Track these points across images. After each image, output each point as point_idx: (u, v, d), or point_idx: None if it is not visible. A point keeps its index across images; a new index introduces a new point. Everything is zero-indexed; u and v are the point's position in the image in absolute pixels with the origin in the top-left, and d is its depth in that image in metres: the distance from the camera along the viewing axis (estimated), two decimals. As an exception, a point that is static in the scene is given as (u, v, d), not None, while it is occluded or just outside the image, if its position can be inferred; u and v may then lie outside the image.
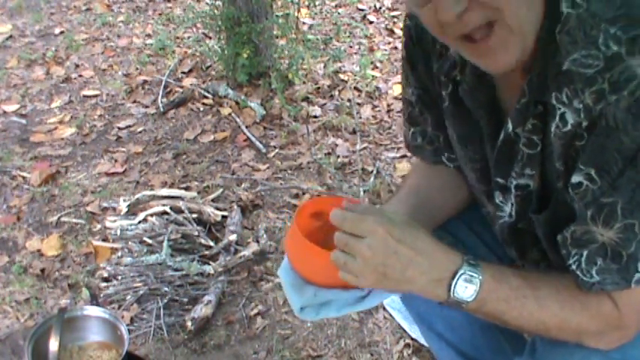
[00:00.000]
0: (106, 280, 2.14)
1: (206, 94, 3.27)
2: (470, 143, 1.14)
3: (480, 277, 0.93)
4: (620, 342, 0.97)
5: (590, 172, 0.88)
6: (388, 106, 3.15)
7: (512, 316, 0.97)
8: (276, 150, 2.87)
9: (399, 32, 3.82)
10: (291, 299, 1.03)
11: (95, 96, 3.38)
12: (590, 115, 0.86)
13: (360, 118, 3.06)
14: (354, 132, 2.96)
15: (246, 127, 3.00)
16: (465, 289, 0.93)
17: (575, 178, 0.90)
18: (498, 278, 0.95)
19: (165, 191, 2.51)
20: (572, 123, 0.89)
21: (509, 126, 1.00)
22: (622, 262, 0.90)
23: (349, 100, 3.17)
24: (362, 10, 4.16)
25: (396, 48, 3.70)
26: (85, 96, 3.38)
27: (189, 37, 3.92)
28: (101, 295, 2.09)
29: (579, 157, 0.89)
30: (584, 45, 0.85)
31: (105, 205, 2.51)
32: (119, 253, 2.21)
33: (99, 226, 2.41)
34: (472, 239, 1.31)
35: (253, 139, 2.91)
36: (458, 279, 0.93)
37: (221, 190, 2.59)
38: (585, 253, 0.92)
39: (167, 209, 2.35)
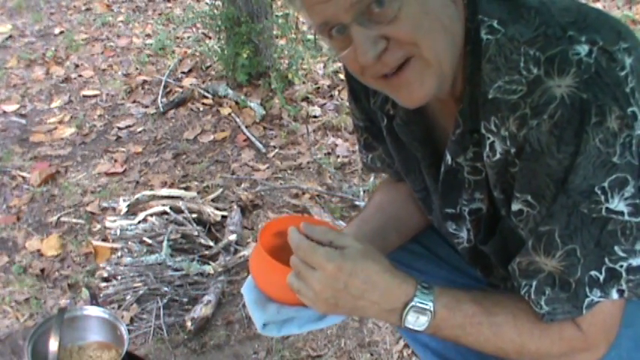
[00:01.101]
0: (105, 280, 2.14)
1: (206, 94, 3.27)
2: (410, 173, 1.14)
3: (432, 308, 0.93)
4: None
5: (527, 198, 0.87)
6: (388, 106, 3.15)
7: (469, 341, 0.97)
8: (276, 150, 2.88)
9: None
10: (254, 316, 1.03)
11: (95, 96, 3.38)
12: (516, 141, 0.85)
13: (360, 118, 3.06)
14: (353, 132, 2.96)
15: (246, 127, 3.00)
16: (417, 319, 0.93)
17: (515, 206, 0.90)
18: (452, 306, 0.94)
19: (165, 191, 2.51)
20: (501, 151, 0.88)
21: (448, 158, 1.00)
22: (571, 289, 0.88)
23: (349, 100, 3.17)
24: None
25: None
26: (84, 96, 3.38)
27: (189, 37, 3.93)
28: (101, 295, 2.09)
29: (515, 184, 0.89)
30: (507, 71, 0.84)
31: (105, 205, 2.51)
32: (119, 253, 2.21)
33: (99, 226, 2.42)
34: (444, 248, 1.30)
35: (253, 139, 2.91)
36: (409, 310, 0.93)
37: (221, 190, 2.59)
38: (534, 283, 0.91)
39: (167, 209, 2.35)
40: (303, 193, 2.58)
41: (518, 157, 0.86)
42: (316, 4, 0.83)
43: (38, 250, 2.32)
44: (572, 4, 0.87)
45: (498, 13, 0.86)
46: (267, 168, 2.76)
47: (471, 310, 0.94)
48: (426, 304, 0.93)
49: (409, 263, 1.29)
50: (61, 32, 4.09)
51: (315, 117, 3.10)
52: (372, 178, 2.60)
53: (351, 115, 1.25)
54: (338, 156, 2.81)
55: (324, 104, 3.21)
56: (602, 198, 0.82)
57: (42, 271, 2.22)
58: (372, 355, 1.90)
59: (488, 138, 0.89)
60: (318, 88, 3.34)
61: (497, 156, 0.89)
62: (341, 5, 0.82)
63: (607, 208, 0.82)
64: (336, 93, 3.29)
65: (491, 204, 1.01)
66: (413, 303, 0.92)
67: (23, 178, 2.72)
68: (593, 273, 0.86)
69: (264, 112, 3.07)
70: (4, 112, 3.23)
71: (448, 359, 1.36)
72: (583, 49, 0.80)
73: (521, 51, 0.83)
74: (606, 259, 0.85)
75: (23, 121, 3.16)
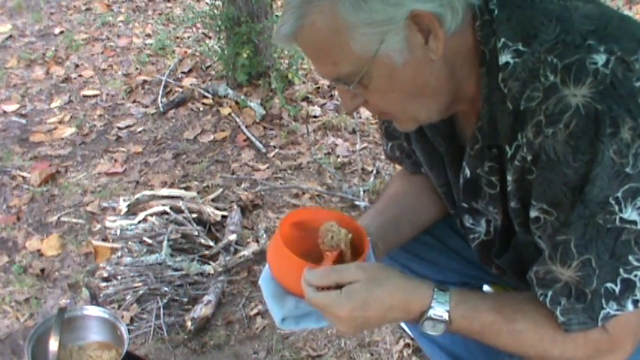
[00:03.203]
0: (106, 280, 2.14)
1: (206, 94, 3.27)
2: (433, 168, 1.15)
3: (447, 318, 0.95)
4: None
5: (543, 206, 0.88)
6: (388, 105, 3.15)
7: (488, 344, 0.99)
8: (276, 150, 2.88)
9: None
10: (273, 310, 1.05)
11: (95, 96, 3.38)
12: (532, 148, 0.85)
13: (360, 117, 3.06)
14: (353, 132, 2.96)
15: (246, 127, 3.00)
16: (433, 327, 0.96)
17: (532, 214, 0.91)
18: (469, 316, 0.96)
19: (165, 191, 2.51)
20: (519, 158, 0.89)
21: (467, 172, 1.01)
22: (586, 300, 0.88)
23: (349, 100, 3.17)
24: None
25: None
26: (85, 96, 3.38)
27: (189, 37, 3.92)
28: (101, 295, 2.09)
29: (532, 191, 0.89)
30: (531, 80, 0.85)
31: (105, 205, 2.51)
32: (119, 253, 2.21)
33: (99, 226, 2.42)
34: (456, 241, 1.32)
35: (253, 139, 2.91)
36: (425, 320, 0.96)
37: (221, 190, 2.59)
38: (550, 293, 0.92)
39: (167, 209, 2.35)
40: (303, 193, 2.58)
41: (534, 164, 0.87)
42: (312, 64, 0.95)
43: (38, 250, 2.32)
44: (595, 10, 0.87)
45: (520, 32, 0.86)
46: (267, 168, 2.76)
47: (490, 319, 0.95)
48: (442, 315, 0.95)
49: (421, 254, 1.31)
50: (61, 32, 4.09)
51: (315, 117, 3.10)
52: (371, 178, 2.60)
53: None
54: (338, 156, 2.81)
55: (324, 104, 3.21)
56: (616, 208, 0.82)
57: (42, 271, 2.22)
58: (372, 355, 1.90)
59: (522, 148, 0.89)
60: (318, 88, 3.34)
61: (516, 163, 0.90)
62: (321, 74, 0.95)
63: (621, 218, 0.83)
64: (336, 93, 3.29)
65: (506, 218, 1.02)
66: (428, 314, 0.95)
67: (23, 178, 2.72)
68: (609, 285, 0.87)
69: (264, 112, 3.07)
70: (4, 112, 3.23)
71: (455, 354, 1.37)
72: (601, 58, 0.80)
73: (542, 58, 0.84)
74: (621, 270, 0.86)
75: (23, 121, 3.16)
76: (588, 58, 0.81)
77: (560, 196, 0.84)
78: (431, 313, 0.94)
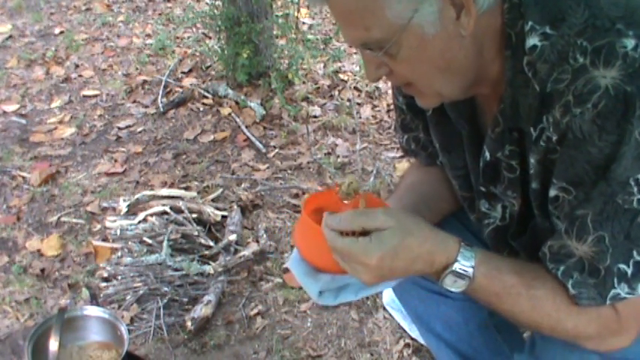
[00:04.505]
0: (106, 280, 2.14)
1: (206, 94, 3.27)
2: (453, 151, 1.15)
3: (471, 274, 0.95)
4: (618, 347, 0.97)
5: (563, 184, 0.89)
6: (388, 106, 3.16)
7: (503, 309, 0.99)
8: (276, 150, 2.88)
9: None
10: (308, 286, 1.04)
11: (95, 96, 3.38)
12: (559, 128, 0.87)
13: (360, 118, 3.06)
14: (353, 132, 2.96)
15: (246, 127, 3.00)
16: (454, 282, 0.96)
17: (552, 192, 0.91)
18: (492, 275, 0.96)
19: (165, 191, 2.51)
20: (544, 138, 0.90)
21: (487, 155, 1.02)
22: (599, 276, 0.90)
23: (349, 100, 3.18)
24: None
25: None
26: (84, 96, 3.38)
27: (189, 37, 3.92)
28: (101, 295, 2.09)
29: (554, 170, 0.90)
30: (559, 62, 0.86)
31: (105, 205, 2.51)
32: (119, 253, 2.21)
33: (99, 226, 2.42)
34: (465, 236, 1.31)
35: (253, 139, 2.91)
36: (448, 274, 0.95)
37: (221, 190, 2.59)
38: (562, 267, 0.93)
39: (167, 209, 2.35)
40: (303, 193, 2.58)
41: (559, 144, 0.88)
42: (340, 28, 0.94)
43: (38, 250, 2.32)
44: None
45: (548, 16, 0.87)
46: (267, 168, 2.76)
47: (511, 282, 0.96)
48: (466, 270, 0.95)
49: None
50: (61, 32, 4.09)
51: (315, 117, 3.10)
52: (371, 178, 2.60)
53: (392, 97, 1.28)
54: (338, 156, 2.81)
55: (324, 104, 3.21)
56: (635, 190, 0.84)
57: (42, 271, 2.22)
58: (372, 355, 1.90)
59: (548, 129, 0.90)
60: (318, 88, 3.34)
61: (541, 143, 0.91)
62: (349, 39, 0.93)
63: (638, 200, 0.84)
64: (336, 93, 3.29)
65: (524, 203, 1.03)
66: (453, 268, 0.95)
67: (23, 178, 2.71)
68: (621, 266, 0.88)
69: (264, 112, 3.07)
70: (4, 112, 3.23)
71: (460, 352, 1.38)
72: (630, 42, 0.82)
73: (571, 42, 0.85)
74: (634, 252, 0.87)
75: (23, 121, 3.16)
76: (618, 41, 0.82)
77: (582, 174, 0.86)
78: (456, 267, 0.94)
